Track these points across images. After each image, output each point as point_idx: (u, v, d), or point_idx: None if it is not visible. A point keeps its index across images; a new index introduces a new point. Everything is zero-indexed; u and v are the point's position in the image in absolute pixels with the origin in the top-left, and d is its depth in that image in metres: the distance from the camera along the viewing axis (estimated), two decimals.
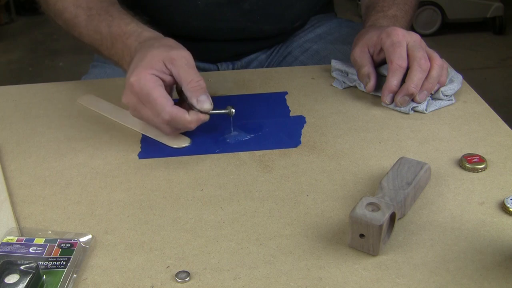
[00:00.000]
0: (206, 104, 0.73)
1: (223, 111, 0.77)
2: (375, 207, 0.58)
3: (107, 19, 0.83)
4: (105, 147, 0.77)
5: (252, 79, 0.95)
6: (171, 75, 0.73)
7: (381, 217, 0.56)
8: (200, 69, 0.89)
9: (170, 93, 0.75)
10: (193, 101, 0.72)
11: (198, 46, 0.89)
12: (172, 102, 0.72)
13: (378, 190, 0.63)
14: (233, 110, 0.77)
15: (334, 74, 0.93)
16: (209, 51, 1.06)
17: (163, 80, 0.72)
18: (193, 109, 0.73)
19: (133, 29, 0.80)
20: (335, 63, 0.93)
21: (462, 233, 0.61)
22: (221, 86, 0.92)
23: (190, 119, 0.72)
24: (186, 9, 0.99)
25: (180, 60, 0.72)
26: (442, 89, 0.84)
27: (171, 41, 0.77)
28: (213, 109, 0.74)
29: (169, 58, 0.72)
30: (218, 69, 1.09)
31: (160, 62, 0.72)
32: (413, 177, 0.64)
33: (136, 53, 0.76)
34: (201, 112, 0.73)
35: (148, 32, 0.79)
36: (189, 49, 0.75)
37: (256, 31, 1.05)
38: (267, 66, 1.12)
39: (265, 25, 1.05)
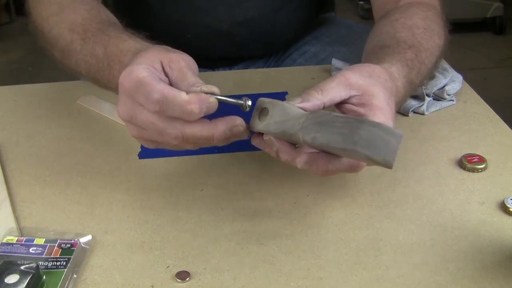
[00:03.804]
0: (212, 86, 0.58)
1: (233, 100, 0.59)
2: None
3: (103, 40, 0.70)
4: (105, 147, 0.77)
5: (252, 79, 0.95)
6: (167, 78, 0.60)
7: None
8: None
9: None
10: (195, 89, 0.57)
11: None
12: (166, 84, 0.57)
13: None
14: (249, 103, 0.59)
15: (334, 73, 0.93)
16: (205, 59, 1.06)
17: None
18: None
19: (130, 45, 0.67)
20: (335, 62, 0.93)
21: (462, 233, 0.61)
22: (221, 86, 0.91)
23: (189, 98, 0.55)
24: (176, 41, 0.99)
25: (179, 62, 0.59)
26: (446, 88, 0.84)
27: (173, 49, 0.64)
28: (222, 96, 0.58)
29: (167, 58, 0.60)
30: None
31: (157, 61, 0.59)
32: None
33: None
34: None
35: (146, 45, 0.67)
36: None
37: (248, 55, 1.06)
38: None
39: (258, 51, 1.06)
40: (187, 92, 0.56)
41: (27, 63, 3.10)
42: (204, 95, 0.56)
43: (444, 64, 0.88)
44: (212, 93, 0.57)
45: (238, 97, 0.60)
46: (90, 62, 0.72)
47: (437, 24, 0.79)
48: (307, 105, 0.57)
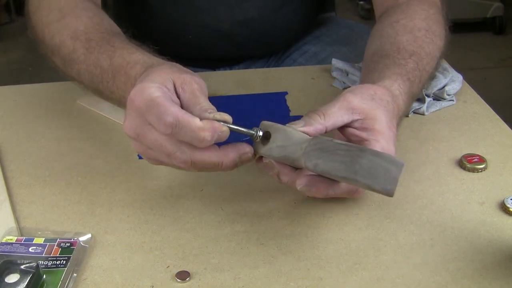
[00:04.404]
0: (225, 114, 0.57)
1: (245, 129, 0.59)
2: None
3: (108, 51, 0.69)
4: (105, 147, 0.77)
5: (252, 79, 0.95)
6: (179, 99, 0.58)
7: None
8: (197, 73, 0.82)
9: None
10: (208, 116, 0.56)
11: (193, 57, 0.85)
12: (179, 108, 0.56)
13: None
14: (260, 134, 0.59)
15: (334, 73, 0.93)
16: (205, 60, 1.06)
17: None
18: None
19: (138, 58, 0.66)
20: (335, 62, 0.93)
21: (462, 233, 0.61)
22: (220, 86, 0.92)
23: (202, 125, 0.54)
24: (176, 41, 0.99)
25: (192, 84, 0.58)
26: (446, 88, 0.84)
27: (185, 68, 0.63)
28: (234, 125, 0.57)
29: (180, 79, 0.58)
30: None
31: (169, 81, 0.58)
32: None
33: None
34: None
35: (156, 60, 0.65)
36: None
37: (249, 55, 1.06)
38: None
39: (258, 51, 1.06)
40: (200, 118, 0.55)
41: (27, 63, 3.10)
42: (217, 123, 0.55)
43: (444, 64, 0.88)
44: (224, 121, 0.56)
45: (249, 126, 0.60)
46: (93, 72, 0.71)
47: (438, 23, 0.78)
48: (309, 129, 0.58)
